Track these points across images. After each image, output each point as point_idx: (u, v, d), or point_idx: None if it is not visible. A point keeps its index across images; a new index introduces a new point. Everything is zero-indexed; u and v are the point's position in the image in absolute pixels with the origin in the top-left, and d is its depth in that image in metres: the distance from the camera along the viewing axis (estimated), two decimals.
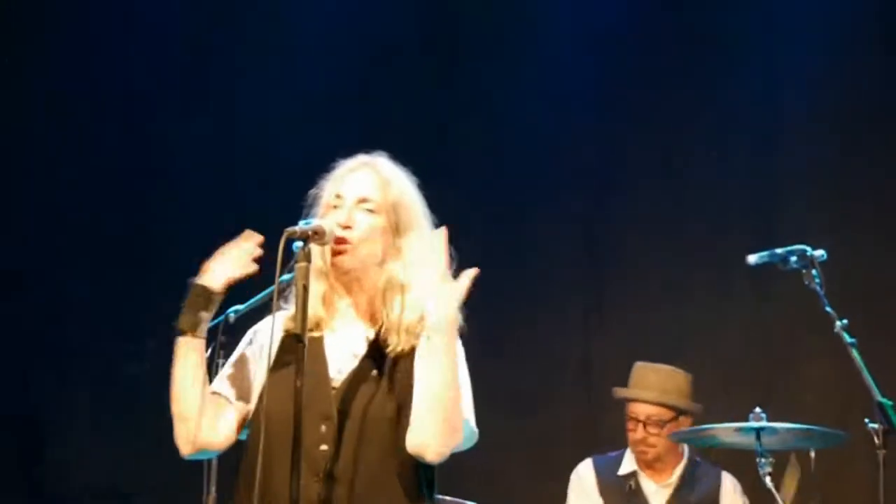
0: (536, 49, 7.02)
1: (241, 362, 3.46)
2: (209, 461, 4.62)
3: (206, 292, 3.35)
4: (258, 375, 3.41)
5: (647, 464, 5.87)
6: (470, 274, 3.27)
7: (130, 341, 6.81)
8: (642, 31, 6.95)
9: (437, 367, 3.23)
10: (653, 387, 5.82)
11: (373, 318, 3.43)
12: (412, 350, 3.35)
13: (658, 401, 5.80)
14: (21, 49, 7.07)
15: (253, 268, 3.37)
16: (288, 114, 6.99)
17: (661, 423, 5.79)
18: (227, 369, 3.47)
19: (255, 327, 3.52)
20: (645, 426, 5.81)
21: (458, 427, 3.26)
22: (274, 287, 3.32)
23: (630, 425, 5.86)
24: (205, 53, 7.14)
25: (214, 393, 3.40)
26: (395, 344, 3.36)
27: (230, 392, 3.41)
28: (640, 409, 5.83)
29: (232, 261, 3.38)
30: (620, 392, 5.91)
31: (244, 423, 3.40)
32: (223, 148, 7.06)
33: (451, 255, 3.32)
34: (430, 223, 3.48)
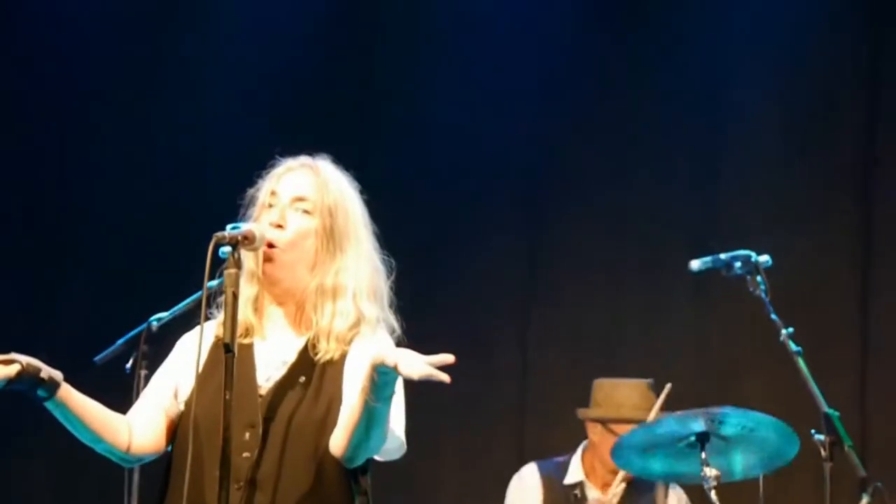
0: (477, 46, 6.88)
1: (170, 370, 3.42)
2: (129, 472, 4.54)
3: None
4: (186, 382, 3.36)
5: (604, 477, 5.71)
6: (440, 360, 3.03)
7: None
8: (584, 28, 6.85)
9: (375, 410, 3.13)
10: (651, 406, 5.63)
11: (304, 324, 3.38)
12: (342, 356, 3.32)
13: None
14: None
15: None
16: (221, 111, 6.85)
17: None
18: (157, 377, 3.44)
19: (186, 335, 3.48)
20: None
21: (380, 444, 3.23)
22: (201, 293, 3.25)
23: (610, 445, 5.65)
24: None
25: (145, 400, 3.39)
26: (325, 351, 3.32)
27: (158, 399, 3.38)
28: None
29: None
30: (618, 412, 5.67)
31: (172, 430, 3.36)
32: (155, 149, 6.88)
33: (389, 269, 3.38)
34: (369, 231, 3.44)
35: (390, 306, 3.45)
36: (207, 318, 3.34)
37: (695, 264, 4.88)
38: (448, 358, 3.03)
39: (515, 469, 5.93)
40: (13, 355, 3.18)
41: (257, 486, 3.21)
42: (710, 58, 6.70)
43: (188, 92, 6.87)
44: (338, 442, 3.22)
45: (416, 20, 6.98)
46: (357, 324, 3.35)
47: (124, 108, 6.88)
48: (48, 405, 3.22)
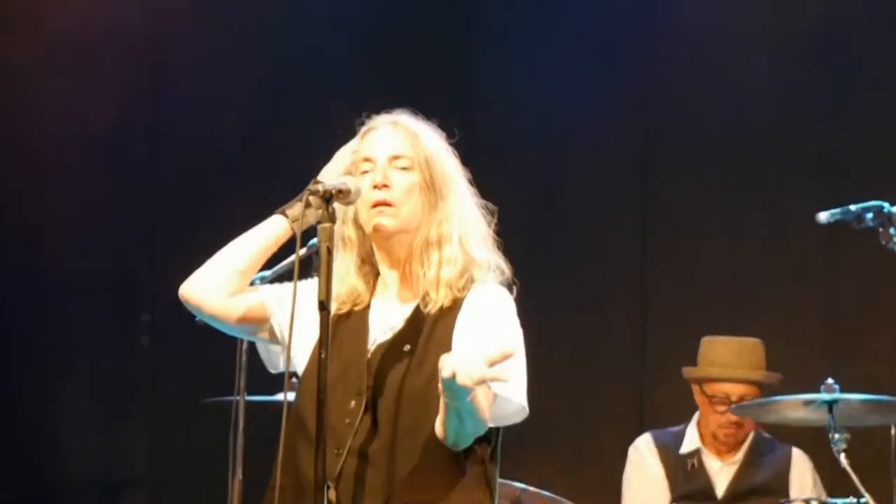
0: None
1: (285, 297, 3.31)
2: (234, 436, 4.49)
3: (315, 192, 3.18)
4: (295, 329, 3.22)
5: (726, 445, 5.51)
6: (501, 355, 2.95)
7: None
8: None
9: (460, 408, 3.07)
10: (746, 364, 5.50)
11: (414, 285, 3.33)
12: (455, 305, 3.26)
13: (754, 379, 5.47)
14: None
15: None
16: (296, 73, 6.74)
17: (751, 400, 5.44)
18: (277, 286, 3.42)
19: (307, 285, 3.37)
20: (757, 401, 5.40)
21: (482, 427, 3.17)
22: (302, 253, 3.32)
23: (718, 407, 5.49)
24: None
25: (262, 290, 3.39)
26: (435, 301, 3.26)
27: (268, 297, 3.36)
28: (733, 389, 5.49)
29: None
30: (705, 371, 5.53)
31: (251, 322, 3.35)
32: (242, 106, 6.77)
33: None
34: (464, 177, 3.39)
35: (498, 248, 3.38)
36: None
37: (823, 216, 4.71)
38: (509, 351, 2.95)
39: (634, 432, 5.82)
40: None
41: (359, 454, 3.17)
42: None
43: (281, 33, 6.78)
44: (438, 431, 3.17)
45: None
46: (466, 269, 3.29)
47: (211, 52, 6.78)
48: (279, 222, 3.32)
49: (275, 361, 3.40)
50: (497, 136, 6.67)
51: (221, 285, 3.30)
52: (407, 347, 3.23)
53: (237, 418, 4.59)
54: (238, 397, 4.57)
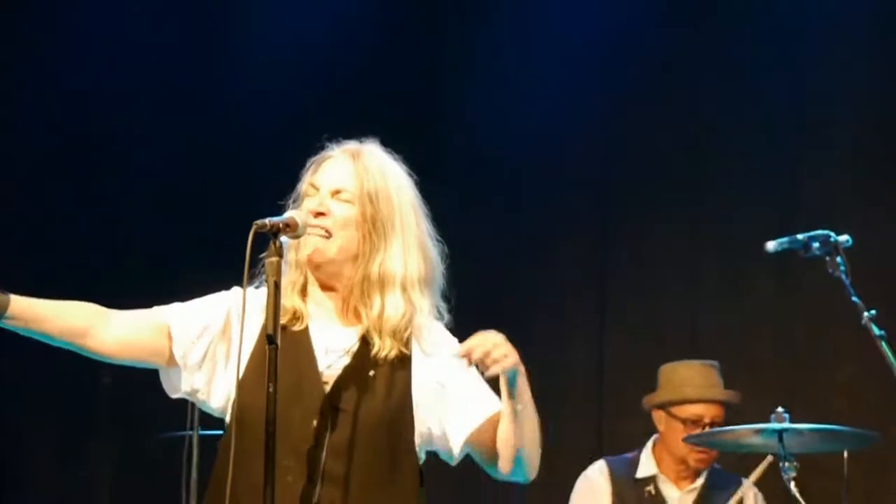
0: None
1: (204, 314, 3.27)
2: (188, 468, 4.50)
3: None
4: (224, 357, 3.26)
5: (695, 472, 5.52)
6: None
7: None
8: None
9: (527, 415, 3.16)
10: (714, 384, 5.53)
11: (353, 314, 3.29)
12: (401, 358, 3.23)
13: (725, 399, 5.50)
14: None
15: None
16: (269, 97, 6.77)
17: (720, 424, 5.46)
18: (194, 306, 3.30)
19: (230, 294, 3.32)
20: (711, 428, 5.45)
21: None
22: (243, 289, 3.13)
23: (691, 430, 5.48)
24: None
25: (150, 318, 3.26)
26: (380, 348, 3.22)
27: (167, 319, 3.25)
28: (707, 410, 5.50)
29: None
30: (678, 393, 5.54)
31: (148, 354, 3.24)
32: (199, 141, 6.79)
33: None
34: (421, 217, 3.34)
35: (444, 295, 3.34)
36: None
37: (771, 245, 4.71)
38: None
39: (590, 460, 5.78)
40: None
41: (324, 477, 3.13)
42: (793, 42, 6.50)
43: (242, 72, 6.80)
44: (503, 467, 3.20)
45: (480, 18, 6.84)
46: (410, 318, 3.25)
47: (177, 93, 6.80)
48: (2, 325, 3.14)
49: (176, 384, 3.28)
50: (456, 165, 6.69)
51: (89, 345, 3.21)
52: (372, 373, 3.20)
53: (191, 452, 4.59)
54: (192, 432, 4.57)
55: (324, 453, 3.14)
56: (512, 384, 3.10)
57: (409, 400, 3.22)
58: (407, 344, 3.25)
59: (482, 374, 3.13)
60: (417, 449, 3.25)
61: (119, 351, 3.23)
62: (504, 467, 3.21)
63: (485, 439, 3.22)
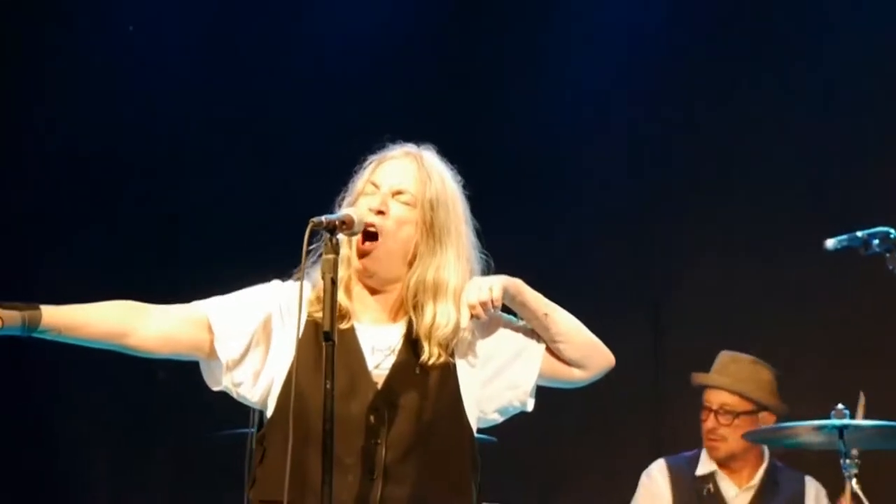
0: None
1: (245, 308, 3.30)
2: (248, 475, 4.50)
3: None
4: (277, 355, 3.27)
5: (722, 462, 5.58)
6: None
7: None
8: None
9: (556, 316, 3.35)
10: (730, 374, 5.58)
11: (400, 314, 3.34)
12: (446, 365, 3.28)
13: (733, 388, 5.58)
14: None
15: None
16: (320, 95, 6.77)
17: (733, 414, 5.55)
18: (234, 299, 3.32)
19: (269, 287, 3.35)
20: (717, 415, 5.55)
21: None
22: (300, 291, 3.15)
23: (703, 414, 5.64)
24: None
25: (193, 312, 3.29)
26: (428, 356, 3.27)
27: (208, 313, 3.27)
28: (714, 397, 5.61)
29: None
30: (698, 378, 5.68)
31: (189, 348, 3.27)
32: (257, 135, 6.81)
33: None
34: (470, 228, 3.38)
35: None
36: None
37: (830, 243, 4.68)
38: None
39: (650, 459, 5.79)
40: None
41: (386, 473, 3.17)
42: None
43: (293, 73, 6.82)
44: (573, 371, 3.39)
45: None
46: (457, 329, 3.29)
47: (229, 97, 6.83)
48: (39, 336, 3.17)
49: (217, 376, 3.31)
50: (507, 169, 6.70)
51: (132, 344, 3.26)
52: (417, 371, 3.25)
53: (251, 450, 4.60)
54: (252, 429, 4.57)
55: (383, 449, 3.18)
56: (518, 301, 3.29)
57: (458, 390, 3.28)
58: (454, 358, 3.31)
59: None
60: (475, 427, 3.31)
61: (161, 346, 3.26)
62: (577, 375, 3.40)
63: (546, 373, 3.38)
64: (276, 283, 3.36)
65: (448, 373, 3.29)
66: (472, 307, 3.22)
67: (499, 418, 3.40)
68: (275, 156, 6.76)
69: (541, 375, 3.38)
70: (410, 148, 3.39)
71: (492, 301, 3.23)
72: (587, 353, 3.40)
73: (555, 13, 6.82)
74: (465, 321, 3.24)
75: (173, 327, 3.26)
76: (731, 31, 6.63)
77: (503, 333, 3.38)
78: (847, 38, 6.44)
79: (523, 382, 3.36)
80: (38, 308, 3.13)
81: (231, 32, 6.90)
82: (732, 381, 5.56)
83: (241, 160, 6.77)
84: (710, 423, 5.57)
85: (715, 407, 5.57)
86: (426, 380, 3.25)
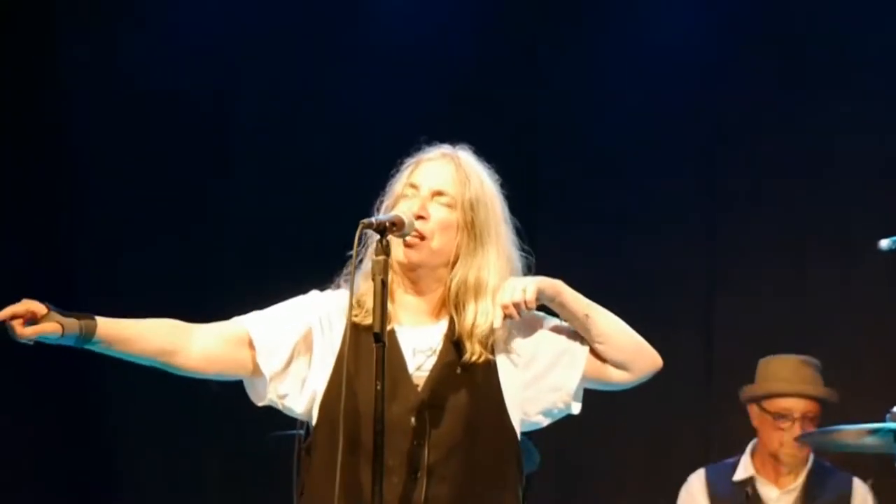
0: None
1: (285, 321, 3.32)
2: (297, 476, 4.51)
3: None
4: (320, 362, 3.30)
5: (787, 467, 5.45)
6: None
7: None
8: None
9: (598, 316, 3.33)
10: (806, 379, 5.48)
11: (441, 315, 3.35)
12: (487, 363, 3.29)
13: (817, 395, 5.46)
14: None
15: None
16: (369, 98, 6.77)
17: (815, 420, 5.43)
18: (274, 312, 3.34)
19: (308, 299, 3.36)
20: (801, 425, 5.41)
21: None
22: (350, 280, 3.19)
23: (781, 424, 5.48)
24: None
25: (236, 330, 3.30)
26: (470, 354, 3.28)
27: (250, 330, 3.29)
28: (796, 405, 5.47)
29: None
30: (767, 387, 5.52)
31: (233, 367, 3.29)
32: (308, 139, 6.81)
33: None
34: (510, 227, 3.40)
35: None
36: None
37: (884, 243, 4.63)
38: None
39: (699, 464, 5.76)
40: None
41: (430, 474, 3.18)
42: None
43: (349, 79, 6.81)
44: (618, 373, 3.36)
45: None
46: (491, 329, 3.30)
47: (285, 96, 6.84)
48: (89, 347, 3.19)
49: (261, 392, 3.33)
50: (556, 167, 6.68)
51: (179, 364, 3.29)
52: (458, 371, 3.26)
53: (300, 454, 4.60)
54: (302, 431, 4.57)
55: (426, 451, 3.19)
56: (557, 302, 3.28)
57: (500, 388, 3.28)
58: (494, 356, 3.31)
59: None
60: (520, 431, 3.31)
61: (205, 366, 3.29)
62: (621, 377, 3.37)
63: (590, 375, 3.36)
64: (314, 293, 3.38)
65: (490, 370, 3.29)
66: (504, 307, 3.22)
67: (544, 421, 3.39)
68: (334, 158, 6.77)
69: (585, 377, 3.36)
70: (447, 149, 3.39)
71: (525, 302, 3.22)
72: (631, 355, 3.37)
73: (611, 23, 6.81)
74: (499, 322, 3.24)
75: (217, 346, 3.29)
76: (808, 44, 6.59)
77: (546, 335, 3.38)
78: None
79: (566, 385, 3.35)
80: (93, 318, 3.16)
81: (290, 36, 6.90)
82: (813, 388, 5.46)
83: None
84: (793, 432, 5.42)
85: (798, 416, 5.44)
86: (468, 378, 3.26)
